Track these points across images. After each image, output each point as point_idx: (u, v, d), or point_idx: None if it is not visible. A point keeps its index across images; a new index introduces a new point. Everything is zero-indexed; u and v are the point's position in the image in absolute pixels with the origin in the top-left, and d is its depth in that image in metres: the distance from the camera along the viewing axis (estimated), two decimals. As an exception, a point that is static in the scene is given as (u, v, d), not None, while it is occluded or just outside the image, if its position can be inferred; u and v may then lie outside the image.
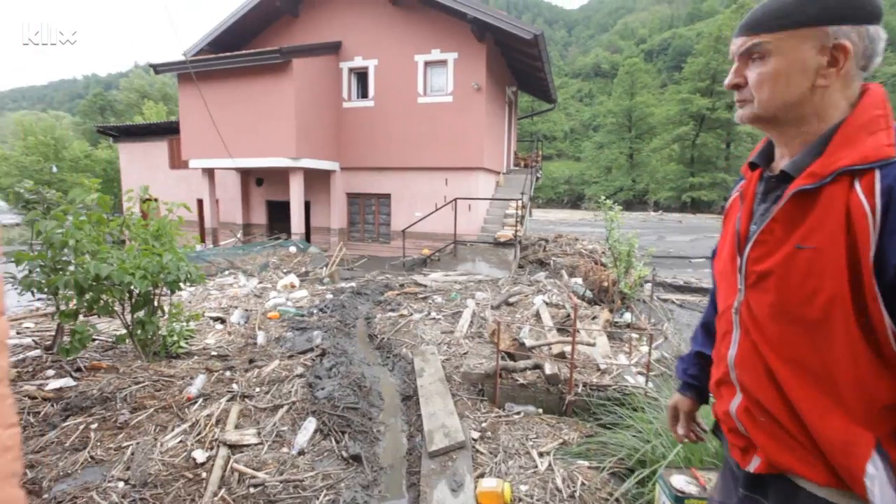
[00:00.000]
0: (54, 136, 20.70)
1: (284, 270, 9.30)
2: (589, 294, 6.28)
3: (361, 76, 12.57)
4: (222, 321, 5.31)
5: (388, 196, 12.67)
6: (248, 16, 12.19)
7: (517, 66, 13.57)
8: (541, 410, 3.36)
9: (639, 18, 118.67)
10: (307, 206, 13.46)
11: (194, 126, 11.68)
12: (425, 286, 8.18)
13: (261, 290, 7.55)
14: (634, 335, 4.72)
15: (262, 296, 6.96)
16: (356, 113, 12.45)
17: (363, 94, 12.61)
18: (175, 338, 4.22)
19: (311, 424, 2.95)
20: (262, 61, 10.42)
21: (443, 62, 11.58)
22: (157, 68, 11.49)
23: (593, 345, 4.22)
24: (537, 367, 3.58)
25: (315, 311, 5.74)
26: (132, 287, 3.51)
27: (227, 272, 9.01)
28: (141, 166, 15.93)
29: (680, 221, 28.99)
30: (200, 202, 13.94)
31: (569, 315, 5.23)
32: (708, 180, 42.24)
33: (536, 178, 14.69)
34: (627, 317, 5.20)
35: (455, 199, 10.75)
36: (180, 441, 2.75)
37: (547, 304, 5.56)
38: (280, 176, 13.03)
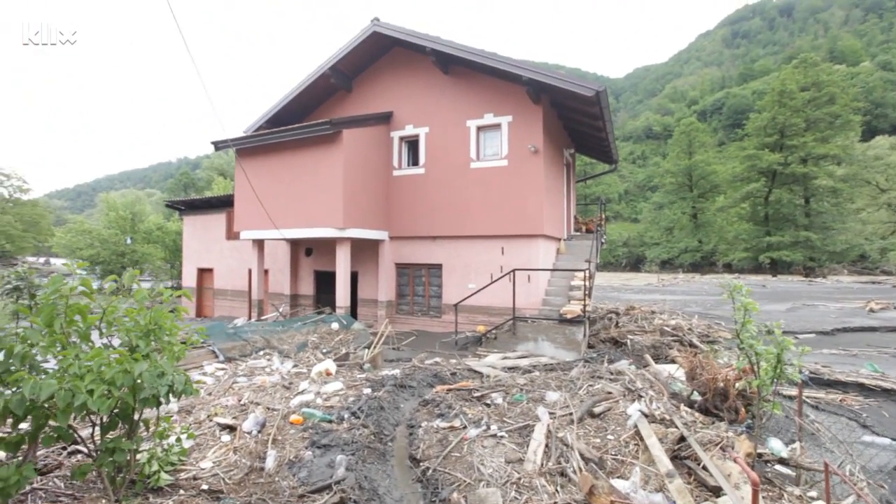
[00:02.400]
0: (132, 211, 22.37)
1: (324, 350, 8.39)
2: (696, 397, 4.74)
3: (412, 144, 12.30)
4: (232, 430, 4.32)
5: (439, 266, 11.79)
6: (303, 93, 12.52)
7: (574, 126, 12.84)
8: None
9: (688, 82, 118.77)
10: (355, 276, 12.86)
11: (246, 198, 11.69)
12: (481, 376, 6.89)
13: (292, 378, 6.61)
14: (796, 490, 3.15)
15: (291, 386, 5.99)
16: (406, 181, 12.04)
17: (414, 161, 12.26)
18: (156, 466, 3.23)
19: None
20: (313, 133, 10.35)
21: (496, 126, 11.05)
22: (218, 145, 11.83)
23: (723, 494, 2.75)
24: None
25: (346, 416, 4.63)
26: (89, 410, 2.60)
27: (262, 352, 8.24)
28: (201, 237, 16.35)
29: (764, 286, 25.81)
30: (250, 272, 13.78)
31: (682, 438, 3.75)
32: (788, 239, 38.42)
33: (601, 243, 13.35)
34: (775, 446, 3.64)
35: (513, 271, 9.63)
36: None
37: (646, 415, 4.12)
38: (329, 246, 12.64)
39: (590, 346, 9.33)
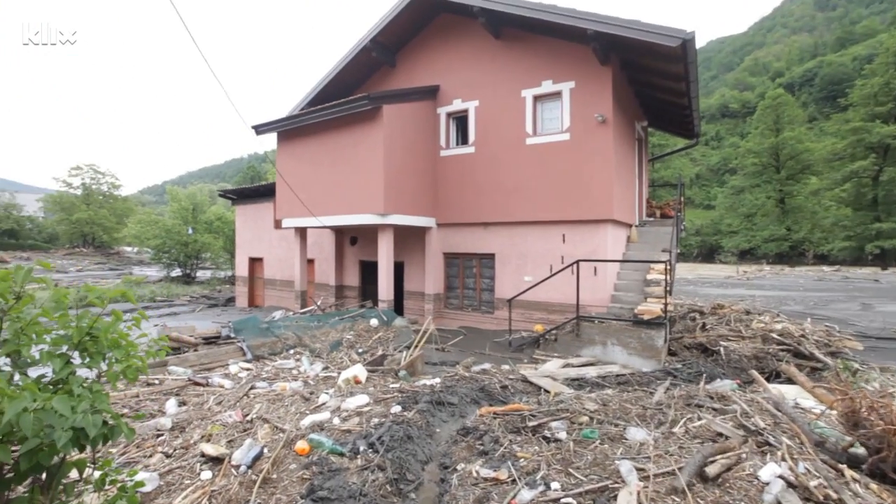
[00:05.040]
0: (193, 202, 23.08)
1: (359, 350, 7.53)
2: (860, 451, 3.23)
3: (461, 120, 11.09)
4: (218, 462, 3.45)
5: (491, 256, 10.58)
6: (344, 71, 11.69)
7: (648, 93, 10.99)
8: None
9: (772, 52, 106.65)
10: (400, 267, 11.97)
11: (286, 184, 11.10)
12: (538, 390, 5.65)
13: (317, 384, 5.76)
14: None
15: (311, 397, 5.11)
16: (455, 161, 10.88)
17: (463, 139, 11.07)
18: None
19: None
20: (351, 110, 9.46)
21: (556, 94, 9.56)
22: (258, 129, 11.32)
23: None
24: None
25: (362, 447, 3.62)
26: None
27: (293, 350, 7.52)
28: (252, 227, 16.25)
29: (876, 280, 22.01)
30: (295, 263, 13.32)
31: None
32: (903, 226, 32.93)
33: (681, 229, 11.46)
34: None
35: (577, 262, 8.21)
36: None
37: (792, 485, 2.73)
38: (372, 234, 11.81)
39: (671, 353, 7.75)
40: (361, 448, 3.64)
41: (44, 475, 2.29)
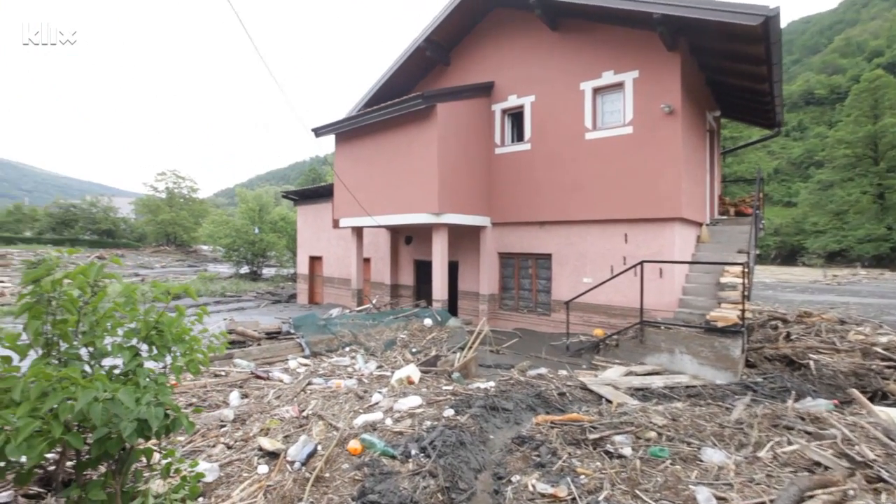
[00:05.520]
0: (259, 203, 24.45)
1: (413, 350, 7.52)
2: None
3: (516, 117, 10.82)
4: (274, 457, 3.51)
5: (547, 256, 10.23)
6: (398, 72, 11.79)
7: (722, 80, 10.12)
8: None
9: (867, 29, 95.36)
10: (455, 267, 11.90)
11: (344, 185, 11.38)
12: (599, 399, 5.32)
13: (371, 383, 5.79)
14: None
15: (365, 395, 5.14)
16: (510, 159, 10.63)
17: (518, 136, 10.79)
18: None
19: None
20: (405, 110, 9.50)
21: (618, 86, 9.04)
22: (317, 132, 11.70)
23: None
24: None
25: (414, 451, 3.54)
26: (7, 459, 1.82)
27: (348, 348, 7.66)
28: (312, 226, 16.91)
29: None
30: (352, 262, 13.66)
31: None
32: None
33: (759, 228, 10.46)
34: None
35: (640, 263, 7.70)
36: None
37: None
38: (426, 233, 11.84)
39: (749, 365, 7.06)
40: (413, 452, 3.56)
41: (115, 461, 2.41)
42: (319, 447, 3.66)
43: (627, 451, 3.48)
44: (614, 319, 8.77)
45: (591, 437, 3.78)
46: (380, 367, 6.75)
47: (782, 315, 9.34)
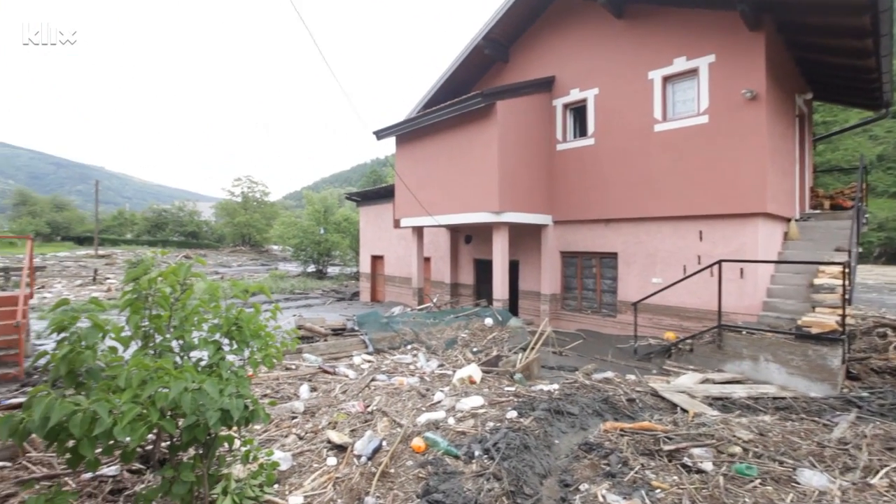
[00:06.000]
0: (325, 205, 25.62)
1: (474, 349, 7.50)
2: None
3: (578, 111, 10.45)
4: (342, 450, 3.62)
5: (613, 255, 9.79)
6: (458, 72, 11.81)
7: (815, 59, 9.11)
8: None
9: None
10: (515, 266, 11.74)
11: (405, 185, 11.60)
12: (672, 407, 4.99)
13: (433, 381, 5.84)
14: None
15: (427, 394, 5.18)
16: (572, 155, 10.29)
17: (581, 131, 10.42)
18: (227, 502, 2.61)
19: None
20: (464, 109, 9.49)
21: (691, 72, 8.44)
22: (379, 134, 12.03)
23: None
24: None
25: (477, 452, 3.51)
26: (115, 439, 2.01)
27: (410, 346, 7.78)
28: (374, 226, 17.42)
29: None
30: (412, 261, 13.91)
31: None
32: None
33: (862, 223, 9.31)
34: None
35: (719, 262, 7.13)
36: None
37: None
38: (486, 232, 11.79)
39: (850, 377, 6.30)
40: (476, 453, 3.53)
41: (201, 446, 2.60)
42: (384, 443, 3.73)
43: (708, 465, 3.22)
44: (687, 322, 8.21)
45: (666, 448, 3.54)
46: (441, 365, 6.79)
47: (892, 322, 8.24)
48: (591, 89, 9.87)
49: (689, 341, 7.26)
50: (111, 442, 2.03)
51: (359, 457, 3.51)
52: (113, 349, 2.38)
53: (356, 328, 8.53)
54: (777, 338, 6.38)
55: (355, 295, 18.65)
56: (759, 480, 2.93)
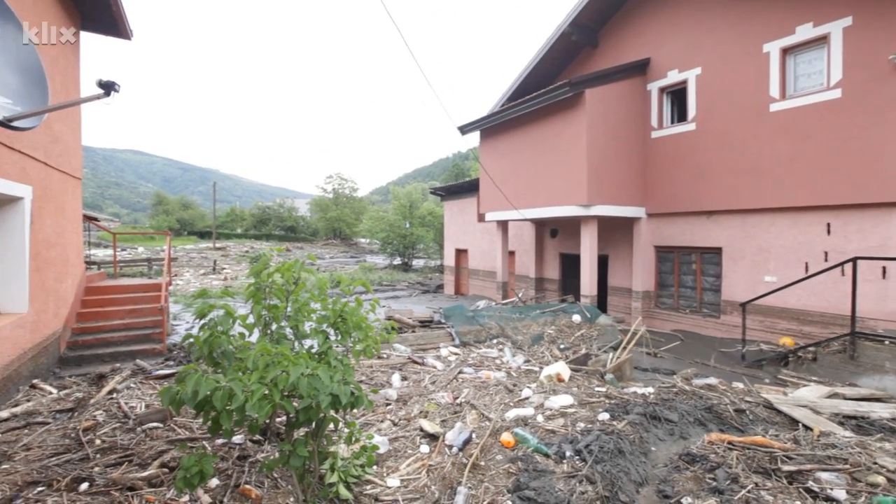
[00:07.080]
0: (410, 200, 26.51)
1: (560, 346, 7.34)
2: None
3: (677, 94, 9.64)
4: (434, 439, 3.76)
5: (716, 251, 8.95)
6: (543, 61, 11.48)
7: None
8: None
9: None
10: (604, 261, 11.23)
11: (489, 179, 11.60)
12: (792, 423, 4.47)
13: (519, 377, 5.82)
14: None
15: (514, 389, 5.19)
16: (669, 142, 9.54)
17: (680, 116, 9.62)
18: (335, 478, 2.85)
19: None
20: (551, 99, 9.21)
21: (818, 41, 7.37)
22: (463, 129, 12.13)
23: None
24: None
25: (568, 452, 3.45)
26: (248, 412, 2.29)
27: (496, 340, 7.82)
28: (458, 220, 17.68)
29: None
30: (496, 255, 13.90)
31: None
32: None
33: None
34: None
35: (853, 259, 6.18)
36: None
37: None
38: (573, 226, 11.42)
39: None
40: (567, 453, 3.47)
41: (313, 425, 2.87)
42: (474, 435, 3.81)
43: (840, 494, 2.84)
44: (809, 327, 7.26)
45: (785, 468, 3.18)
46: (527, 361, 6.73)
47: None
48: (693, 69, 9.04)
49: (812, 349, 6.42)
50: (243, 416, 2.32)
51: (450, 447, 3.63)
52: (241, 335, 2.71)
53: (443, 321, 8.76)
54: (931, 349, 5.40)
55: (439, 288, 19.12)
56: (906, 515, 2.53)
